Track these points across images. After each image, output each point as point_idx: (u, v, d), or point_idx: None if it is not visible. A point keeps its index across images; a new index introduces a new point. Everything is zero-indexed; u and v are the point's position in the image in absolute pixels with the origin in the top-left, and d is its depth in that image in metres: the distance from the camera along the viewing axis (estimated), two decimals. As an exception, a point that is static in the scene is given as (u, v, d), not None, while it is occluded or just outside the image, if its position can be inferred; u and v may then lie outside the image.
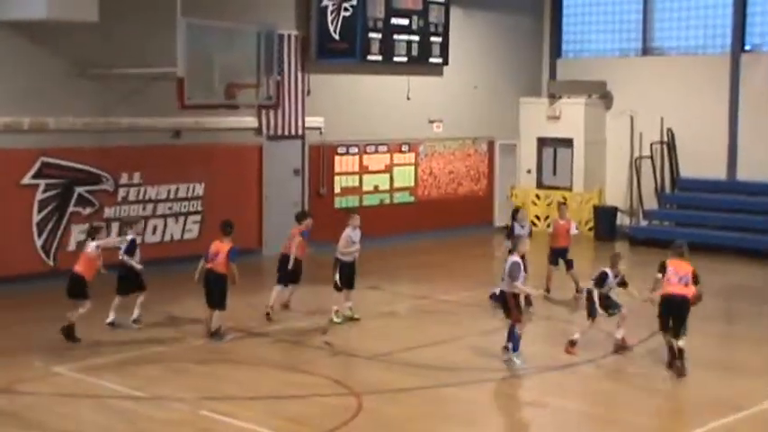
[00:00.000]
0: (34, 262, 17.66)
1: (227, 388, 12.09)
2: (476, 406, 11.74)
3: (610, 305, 13.83)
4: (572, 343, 13.74)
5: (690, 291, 12.78)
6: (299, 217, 16.53)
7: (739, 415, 11.21)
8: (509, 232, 16.82)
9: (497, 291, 13.93)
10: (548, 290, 17.17)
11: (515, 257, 13.35)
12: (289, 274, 15.76)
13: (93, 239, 14.58)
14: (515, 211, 17.55)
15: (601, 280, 13.81)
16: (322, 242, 21.87)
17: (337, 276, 15.35)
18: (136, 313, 15.01)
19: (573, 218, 25.08)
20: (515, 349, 13.19)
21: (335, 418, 10.94)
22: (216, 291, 14.21)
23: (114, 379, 12.30)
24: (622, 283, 13.93)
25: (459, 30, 24.56)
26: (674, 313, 12.82)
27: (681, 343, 12.79)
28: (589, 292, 13.88)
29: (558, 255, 17.64)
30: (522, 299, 13.27)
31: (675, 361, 12.84)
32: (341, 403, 11.48)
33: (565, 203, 19.34)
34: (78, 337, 14.04)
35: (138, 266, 14.95)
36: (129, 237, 15.12)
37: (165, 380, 12.43)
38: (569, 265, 17.64)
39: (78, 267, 14.32)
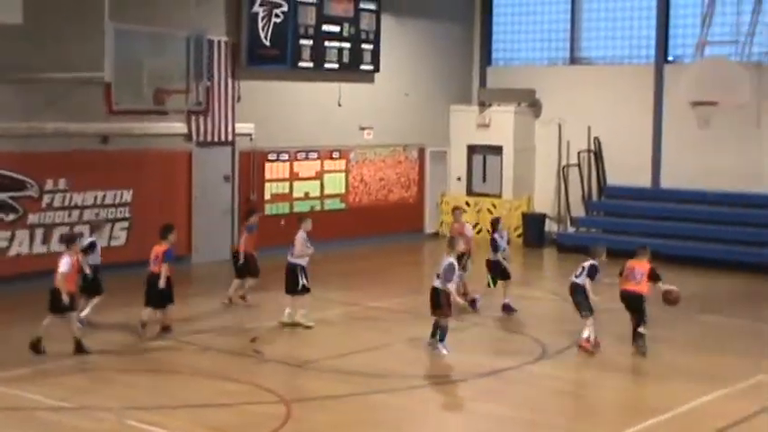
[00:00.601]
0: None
1: (154, 397, 11.97)
2: (405, 413, 11.80)
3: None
4: (587, 340, 14.26)
5: (643, 287, 14.15)
6: (247, 214, 17.71)
7: (660, 418, 11.42)
8: (493, 244, 17.06)
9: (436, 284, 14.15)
10: (465, 293, 16.85)
11: (451, 258, 14.02)
12: (240, 268, 16.87)
13: (68, 248, 13.90)
14: (495, 222, 17.43)
15: (594, 272, 14.37)
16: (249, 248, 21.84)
17: (304, 280, 15.45)
18: (86, 312, 14.95)
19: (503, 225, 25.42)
20: (442, 339, 13.95)
21: (264, 426, 10.90)
22: (152, 291, 14.65)
23: (38, 390, 12.08)
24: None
25: (391, 37, 24.67)
26: (630, 307, 14.25)
27: (640, 329, 14.17)
28: (582, 288, 14.35)
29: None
30: (452, 298, 14.05)
31: (637, 341, 14.18)
32: (270, 411, 11.44)
33: (459, 208, 18.77)
34: (88, 350, 13.76)
35: (86, 270, 14.84)
36: (90, 239, 15.21)
37: (91, 390, 12.27)
38: (464, 268, 16.83)
39: (57, 283, 13.60)
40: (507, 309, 16.87)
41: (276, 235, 22.34)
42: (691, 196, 23.66)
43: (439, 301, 13.94)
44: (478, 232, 25.77)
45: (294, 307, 15.53)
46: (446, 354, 13.90)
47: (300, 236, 15.62)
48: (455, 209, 18.61)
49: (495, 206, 25.72)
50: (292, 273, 15.50)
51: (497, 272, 16.99)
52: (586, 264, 14.48)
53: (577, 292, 14.48)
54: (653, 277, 14.22)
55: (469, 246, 17.02)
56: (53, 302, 13.63)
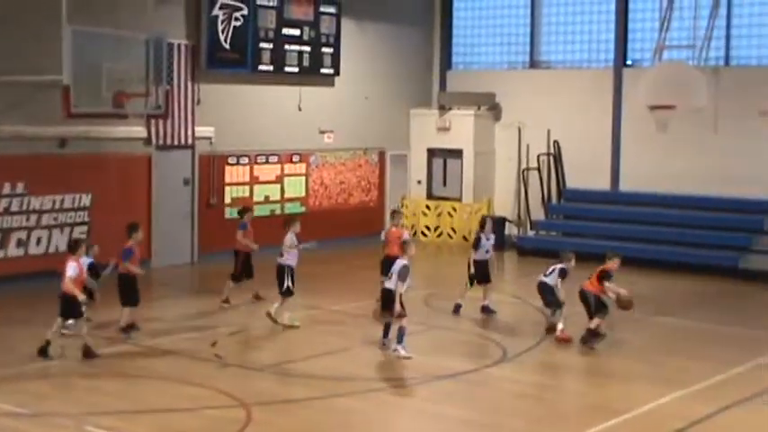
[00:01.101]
0: None
1: (113, 402, 11.89)
2: (364, 416, 11.82)
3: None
4: (563, 331, 14.95)
5: (592, 286, 14.94)
6: (241, 213, 17.97)
7: (618, 419, 11.53)
8: (476, 243, 17.10)
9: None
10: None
11: (405, 260, 14.20)
12: (237, 267, 17.09)
13: (72, 253, 13.92)
14: (483, 221, 17.46)
15: (564, 274, 15.27)
16: (211, 253, 21.78)
17: (289, 281, 15.59)
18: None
19: (462, 228, 25.62)
20: (400, 341, 13.96)
21: (224, 430, 10.88)
22: (119, 290, 14.96)
23: (-5, 395, 11.98)
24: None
25: (351, 41, 24.70)
26: (583, 302, 15.01)
27: (591, 324, 14.77)
28: (551, 287, 15.20)
29: (390, 265, 16.37)
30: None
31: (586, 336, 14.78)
32: (230, 415, 11.41)
33: (398, 211, 18.80)
34: (97, 353, 13.75)
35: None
36: (89, 260, 14.90)
37: (50, 396, 12.16)
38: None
39: (66, 288, 13.66)
40: (486, 310, 16.94)
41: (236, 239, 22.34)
42: (649, 199, 23.92)
43: (391, 303, 13.99)
44: (439, 236, 25.92)
45: (282, 307, 15.65)
46: (406, 355, 13.87)
47: (289, 237, 15.76)
48: (394, 212, 18.55)
49: (455, 209, 25.82)
50: (279, 274, 15.70)
51: (479, 272, 16.97)
52: (557, 266, 15.33)
53: (546, 291, 15.32)
54: (600, 278, 14.96)
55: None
56: (64, 307, 13.66)
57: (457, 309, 16.95)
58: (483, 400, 12.55)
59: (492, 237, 17.29)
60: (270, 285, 16.25)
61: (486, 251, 17.10)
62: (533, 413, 12.18)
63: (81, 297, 13.54)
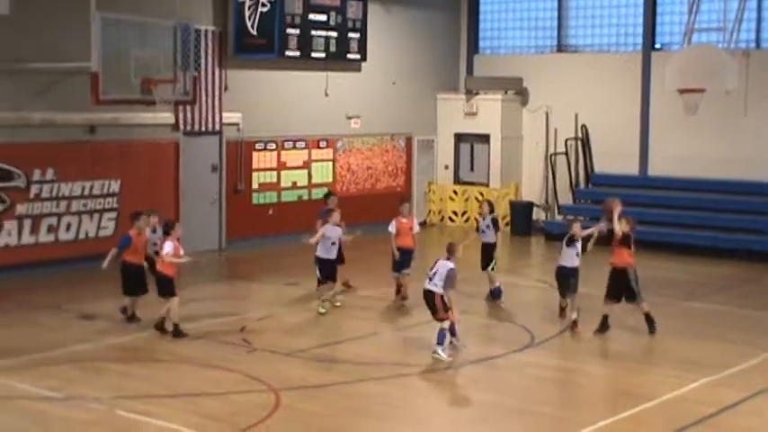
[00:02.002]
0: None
1: (143, 386, 11.99)
2: (393, 401, 11.84)
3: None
4: (575, 323, 14.59)
5: (625, 259, 14.63)
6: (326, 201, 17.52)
7: (648, 405, 11.50)
8: (477, 228, 17.24)
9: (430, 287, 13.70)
10: (404, 297, 16.45)
11: (451, 264, 13.42)
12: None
13: (167, 234, 14.44)
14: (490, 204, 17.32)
15: (572, 241, 14.69)
16: (238, 239, 21.89)
17: (317, 272, 15.65)
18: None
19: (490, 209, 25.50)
20: (440, 342, 13.32)
21: (253, 414, 10.93)
22: (159, 284, 14.56)
23: (27, 380, 12.09)
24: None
25: (378, 26, 24.65)
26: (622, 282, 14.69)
27: (644, 307, 14.68)
28: (574, 271, 14.75)
29: (401, 257, 16.50)
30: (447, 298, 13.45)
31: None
32: (259, 400, 11.47)
33: (407, 201, 18.38)
34: (185, 333, 14.17)
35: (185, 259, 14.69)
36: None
37: (81, 380, 12.26)
38: (406, 265, 16.55)
39: (161, 267, 14.31)
40: (494, 295, 16.87)
41: (264, 225, 22.47)
42: (678, 183, 23.76)
43: (434, 305, 13.43)
44: (466, 221, 25.88)
45: (322, 293, 15.77)
46: (443, 357, 13.22)
47: (326, 228, 15.84)
48: (403, 201, 17.90)
49: (482, 194, 25.73)
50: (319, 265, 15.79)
51: (484, 256, 16.81)
52: (563, 241, 14.93)
53: (560, 275, 14.96)
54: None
55: (414, 242, 16.77)
56: (160, 287, 14.24)
57: (495, 293, 16.84)
58: (511, 385, 12.54)
59: (488, 218, 16.89)
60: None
61: (482, 232, 16.88)
62: (561, 398, 12.16)
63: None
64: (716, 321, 16.04)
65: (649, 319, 14.63)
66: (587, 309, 14.93)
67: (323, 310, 15.67)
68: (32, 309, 15.98)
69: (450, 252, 13.56)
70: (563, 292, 15.15)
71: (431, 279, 13.44)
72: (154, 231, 15.24)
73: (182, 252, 14.32)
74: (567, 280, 14.92)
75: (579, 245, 14.83)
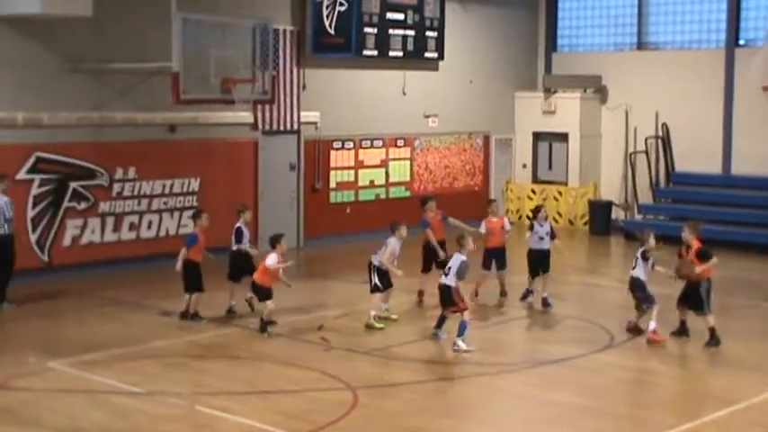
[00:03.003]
0: (29, 258, 17.59)
1: (223, 383, 12.10)
2: (471, 400, 11.78)
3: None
4: (654, 332, 14.00)
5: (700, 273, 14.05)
6: (423, 201, 16.94)
7: (731, 409, 11.26)
8: (530, 227, 16.63)
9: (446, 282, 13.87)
10: (476, 293, 16.45)
11: (463, 256, 13.75)
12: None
13: (273, 247, 14.55)
14: (536, 210, 16.77)
15: (645, 256, 14.20)
16: (316, 237, 22.01)
17: (376, 279, 15.06)
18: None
19: (567, 212, 25.34)
20: (461, 333, 13.56)
21: (331, 412, 10.96)
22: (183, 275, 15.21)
23: (109, 374, 12.30)
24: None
25: (455, 24, 24.55)
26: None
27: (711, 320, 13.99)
28: (640, 281, 14.20)
29: (491, 256, 16.46)
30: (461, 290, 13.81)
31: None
32: (337, 398, 11.50)
33: (495, 200, 18.29)
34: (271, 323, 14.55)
35: (252, 251, 15.73)
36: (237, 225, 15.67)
37: (161, 375, 12.44)
38: (502, 265, 16.60)
39: (260, 278, 14.49)
40: (544, 303, 16.27)
41: (341, 223, 22.56)
42: (762, 183, 23.22)
43: (450, 299, 13.71)
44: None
45: (377, 305, 15.12)
46: (466, 349, 13.39)
47: (392, 244, 15.04)
48: (490, 201, 17.93)
49: (560, 193, 25.53)
50: (369, 271, 15.24)
51: (534, 262, 16.30)
52: (638, 252, 14.36)
53: (636, 287, 14.32)
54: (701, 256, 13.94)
55: (503, 241, 16.65)
56: (258, 293, 14.57)
57: (526, 294, 16.47)
58: (589, 385, 12.37)
59: (546, 224, 16.47)
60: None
61: (540, 238, 16.35)
62: (641, 400, 11.96)
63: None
64: (802, 324, 15.64)
65: (712, 334, 13.86)
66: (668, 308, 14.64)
67: (380, 326, 14.99)
68: (115, 305, 16.27)
69: (461, 245, 13.85)
70: (638, 305, 14.42)
71: (446, 274, 13.77)
72: (246, 226, 15.69)
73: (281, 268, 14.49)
74: (640, 290, 14.29)
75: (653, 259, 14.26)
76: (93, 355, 13.17)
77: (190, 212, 19.78)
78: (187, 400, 11.33)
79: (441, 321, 14.13)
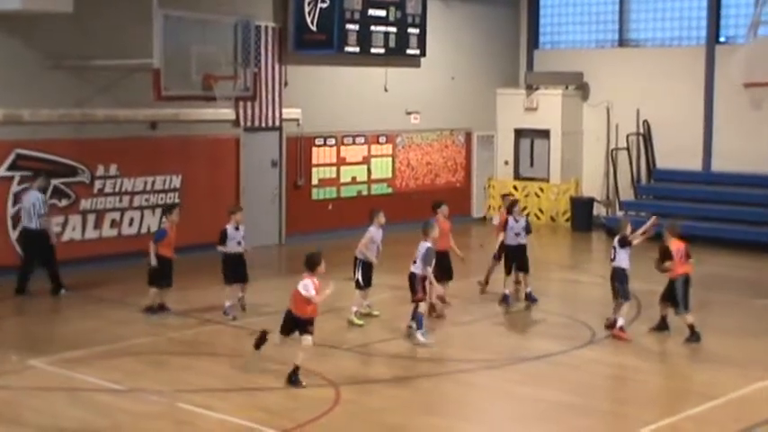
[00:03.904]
0: (9, 255, 17.51)
1: (204, 380, 12.09)
2: (453, 396, 11.80)
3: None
4: (622, 329, 14.02)
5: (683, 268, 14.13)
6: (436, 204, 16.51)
7: (711, 404, 11.33)
8: (504, 226, 16.49)
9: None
10: (486, 282, 16.90)
11: (428, 243, 13.92)
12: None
13: (311, 271, 11.83)
14: (511, 205, 16.72)
15: (624, 243, 14.17)
16: (298, 234, 21.99)
17: (359, 275, 15.06)
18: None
19: (549, 208, 25.40)
20: (420, 327, 13.66)
21: (313, 409, 10.96)
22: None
23: (91, 372, 12.27)
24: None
25: (437, 21, 24.57)
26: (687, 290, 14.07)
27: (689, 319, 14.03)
28: (622, 271, 14.20)
29: (514, 256, 16.43)
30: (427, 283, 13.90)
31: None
32: (319, 394, 11.51)
33: (509, 195, 18.71)
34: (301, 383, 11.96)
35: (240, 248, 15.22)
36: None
37: (143, 373, 12.41)
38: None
39: (299, 310, 11.83)
40: (529, 298, 16.29)
41: (323, 220, 22.55)
42: (742, 180, 23.36)
43: (413, 287, 13.82)
44: (528, 215, 25.66)
45: (358, 302, 15.10)
46: (425, 342, 13.48)
47: (369, 232, 15.06)
48: (503, 195, 18.42)
49: (542, 190, 25.60)
50: (354, 265, 15.20)
51: (512, 258, 16.24)
52: (615, 241, 14.37)
53: (618, 278, 14.31)
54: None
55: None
56: (301, 327, 11.81)
57: (504, 299, 16.24)
58: (571, 381, 12.41)
59: (522, 219, 16.49)
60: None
61: (517, 234, 16.33)
62: (623, 395, 12.02)
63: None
64: (782, 319, 15.75)
65: (692, 331, 13.89)
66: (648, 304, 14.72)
67: (360, 322, 14.99)
68: (96, 302, 16.22)
69: (426, 233, 13.99)
70: (615, 296, 14.45)
71: (414, 262, 13.93)
72: (237, 228, 15.23)
73: (318, 295, 11.82)
74: (621, 281, 14.30)
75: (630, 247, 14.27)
76: (74, 353, 13.13)
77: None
78: (169, 398, 11.31)
79: (413, 314, 14.00)
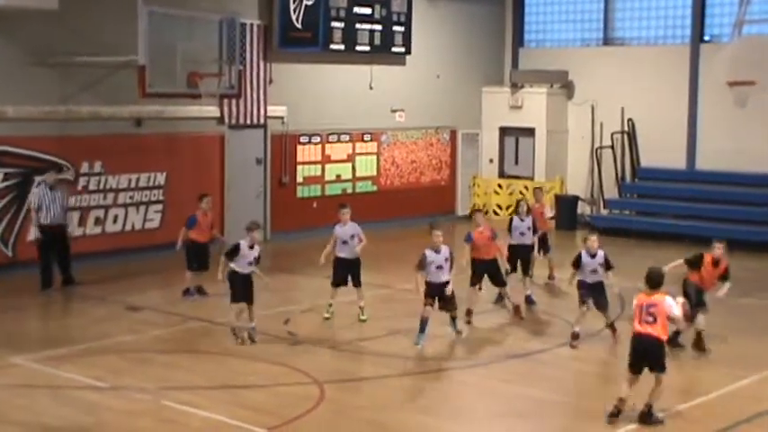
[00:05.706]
0: (-7, 252, 17.47)
1: (189, 378, 12.07)
2: (437, 394, 11.82)
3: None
4: (574, 336, 13.80)
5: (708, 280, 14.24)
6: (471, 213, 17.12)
7: (696, 401, 11.41)
8: (508, 226, 16.51)
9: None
10: (551, 276, 17.87)
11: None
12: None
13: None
14: (517, 205, 16.78)
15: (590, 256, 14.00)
16: (283, 232, 21.97)
17: (332, 270, 15.09)
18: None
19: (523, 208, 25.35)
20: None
21: (298, 406, 10.96)
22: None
23: (74, 369, 12.23)
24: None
25: (422, 19, 24.59)
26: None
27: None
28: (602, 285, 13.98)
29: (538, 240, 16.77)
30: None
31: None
32: (303, 392, 11.50)
33: (541, 188, 19.45)
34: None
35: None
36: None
37: (127, 370, 12.38)
38: (546, 249, 17.59)
39: None
40: (528, 301, 16.18)
41: (308, 218, 22.53)
42: (726, 178, 23.46)
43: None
44: (511, 214, 25.67)
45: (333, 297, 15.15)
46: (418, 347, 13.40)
47: (335, 229, 15.25)
48: (536, 188, 19.39)
49: (527, 188, 25.61)
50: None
51: (516, 258, 16.21)
52: (598, 263, 14.07)
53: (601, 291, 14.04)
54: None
55: (546, 227, 17.95)
56: None
57: (499, 298, 16.09)
58: (555, 379, 12.45)
59: (528, 219, 16.39)
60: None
61: (522, 233, 16.29)
62: (606, 393, 12.02)
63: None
64: (764, 318, 15.81)
65: (677, 335, 13.46)
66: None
67: (327, 315, 15.04)
68: (80, 300, 16.18)
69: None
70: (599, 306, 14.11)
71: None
72: (251, 247, 13.72)
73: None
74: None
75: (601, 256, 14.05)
76: (58, 351, 13.08)
77: (156, 207, 19.80)
78: (153, 395, 11.28)
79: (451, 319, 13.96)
